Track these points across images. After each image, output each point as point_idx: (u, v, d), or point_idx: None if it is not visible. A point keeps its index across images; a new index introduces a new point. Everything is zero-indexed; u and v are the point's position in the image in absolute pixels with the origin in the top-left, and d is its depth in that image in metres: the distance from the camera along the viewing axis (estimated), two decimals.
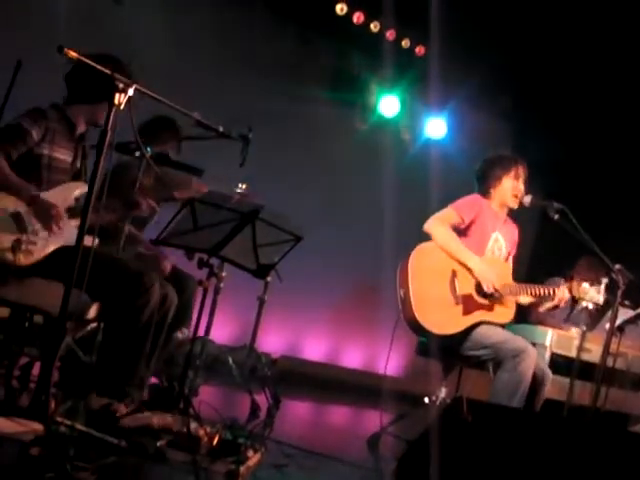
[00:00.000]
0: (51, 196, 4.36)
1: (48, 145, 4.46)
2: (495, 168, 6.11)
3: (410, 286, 5.72)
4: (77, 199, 4.43)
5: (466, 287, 5.82)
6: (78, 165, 4.66)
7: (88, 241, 3.91)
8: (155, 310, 4.44)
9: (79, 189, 4.45)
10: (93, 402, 4.28)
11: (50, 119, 4.50)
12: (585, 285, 5.80)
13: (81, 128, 4.65)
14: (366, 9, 9.17)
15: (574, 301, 6.35)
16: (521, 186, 6.10)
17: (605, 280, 5.78)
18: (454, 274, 5.82)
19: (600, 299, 5.78)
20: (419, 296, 5.72)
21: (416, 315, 5.66)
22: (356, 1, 9.12)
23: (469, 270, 5.83)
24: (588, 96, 9.51)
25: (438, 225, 5.87)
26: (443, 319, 5.73)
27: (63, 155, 4.53)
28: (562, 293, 5.85)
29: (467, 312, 5.77)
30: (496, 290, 5.81)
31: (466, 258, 5.82)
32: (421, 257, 5.83)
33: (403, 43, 9.57)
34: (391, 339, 5.95)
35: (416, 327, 5.72)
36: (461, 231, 5.97)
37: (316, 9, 9.05)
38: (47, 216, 4.31)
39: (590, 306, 5.84)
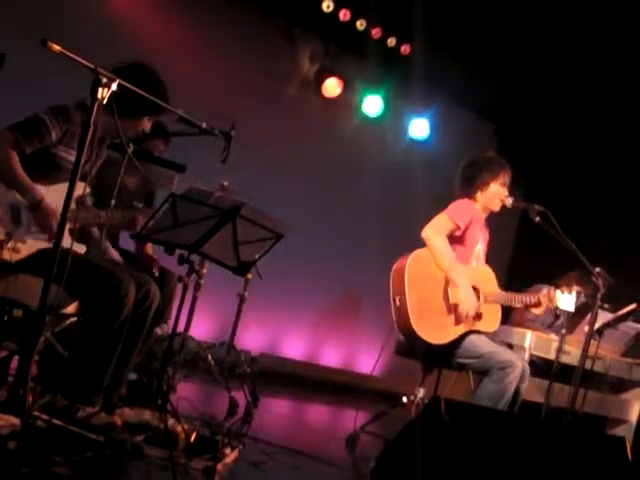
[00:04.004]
0: (53, 192, 4.34)
1: (65, 147, 4.43)
2: (484, 172, 6.12)
3: (407, 294, 5.72)
4: (78, 200, 4.39)
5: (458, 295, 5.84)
6: (88, 168, 4.61)
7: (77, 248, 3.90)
8: (128, 318, 4.42)
9: (81, 189, 4.40)
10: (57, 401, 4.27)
11: (74, 123, 4.44)
12: (557, 293, 5.84)
13: (102, 133, 4.60)
14: (352, 7, 9.17)
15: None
16: (505, 191, 6.15)
17: (577, 288, 5.81)
18: (447, 282, 5.83)
19: (572, 307, 5.82)
20: (416, 305, 5.72)
21: (413, 325, 5.66)
22: None
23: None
24: (573, 95, 9.55)
25: (436, 235, 5.85)
26: (437, 329, 5.75)
27: None
28: (545, 300, 5.91)
29: (458, 321, 5.80)
30: (471, 315, 5.82)
31: (456, 277, 5.81)
32: (418, 264, 5.82)
33: (389, 41, 9.57)
34: (383, 344, 5.98)
35: (410, 336, 5.72)
36: (455, 238, 5.98)
37: (302, 6, 9.07)
38: (46, 225, 4.30)
39: (563, 313, 5.88)
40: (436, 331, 5.74)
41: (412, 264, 5.81)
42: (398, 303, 5.78)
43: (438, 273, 5.84)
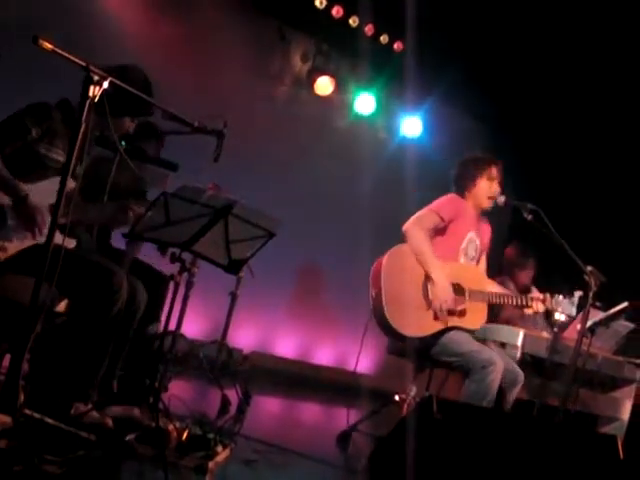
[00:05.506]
0: (37, 189, 4.32)
1: (46, 145, 4.42)
2: (470, 169, 6.13)
3: (382, 286, 5.69)
4: (67, 195, 4.38)
5: None
6: (77, 164, 4.59)
7: (66, 242, 3.90)
8: (121, 311, 4.43)
9: (70, 185, 4.39)
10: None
11: (54, 120, 4.45)
12: (559, 297, 5.83)
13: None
14: (345, 3, 9.16)
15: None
16: (496, 187, 6.11)
17: (578, 293, 5.80)
18: (427, 278, 5.80)
19: (573, 311, 5.81)
20: (391, 297, 5.69)
21: (387, 316, 5.63)
22: None
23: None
24: (566, 95, 9.55)
25: (416, 229, 5.81)
26: (414, 321, 5.70)
27: (60, 156, 4.46)
28: (537, 303, 5.90)
29: (437, 317, 5.74)
30: (447, 310, 5.77)
31: (432, 271, 5.77)
32: (396, 259, 5.80)
33: (381, 39, 9.57)
34: (362, 338, 5.97)
35: (386, 327, 5.70)
36: (438, 230, 5.96)
37: (294, 3, 9.06)
38: (31, 220, 4.28)
39: (562, 318, 5.88)
40: (413, 324, 5.69)
41: (390, 257, 5.79)
42: (374, 294, 5.77)
43: (417, 268, 5.78)
